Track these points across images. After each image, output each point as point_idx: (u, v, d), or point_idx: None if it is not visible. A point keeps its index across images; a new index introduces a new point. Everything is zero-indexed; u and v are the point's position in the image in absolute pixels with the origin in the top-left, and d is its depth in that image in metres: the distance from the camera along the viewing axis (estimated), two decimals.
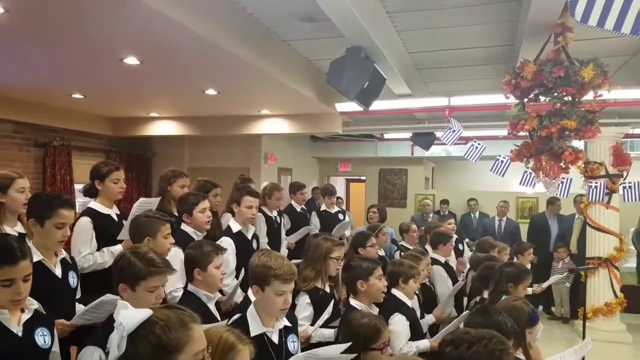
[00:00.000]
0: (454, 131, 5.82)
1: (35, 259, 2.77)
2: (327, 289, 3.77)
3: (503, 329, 2.55)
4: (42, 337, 2.34)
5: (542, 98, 4.32)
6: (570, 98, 4.13)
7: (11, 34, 4.42)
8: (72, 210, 3.05)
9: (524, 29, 4.42)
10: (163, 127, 9.55)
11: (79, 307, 3.08)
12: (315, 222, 6.78)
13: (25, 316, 2.31)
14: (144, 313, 1.59)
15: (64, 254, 3.09)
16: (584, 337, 5.30)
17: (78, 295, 3.20)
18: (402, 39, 5.54)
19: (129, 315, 1.58)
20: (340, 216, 7.04)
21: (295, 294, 3.68)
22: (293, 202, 6.72)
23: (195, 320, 1.66)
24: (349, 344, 2.62)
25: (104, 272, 3.55)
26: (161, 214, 3.51)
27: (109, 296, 2.60)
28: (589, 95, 4.19)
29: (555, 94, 4.11)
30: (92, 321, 2.78)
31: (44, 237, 2.89)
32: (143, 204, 3.72)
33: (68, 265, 3.09)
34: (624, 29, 3.20)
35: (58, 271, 2.98)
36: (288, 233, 6.23)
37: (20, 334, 2.26)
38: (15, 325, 2.25)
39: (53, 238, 2.91)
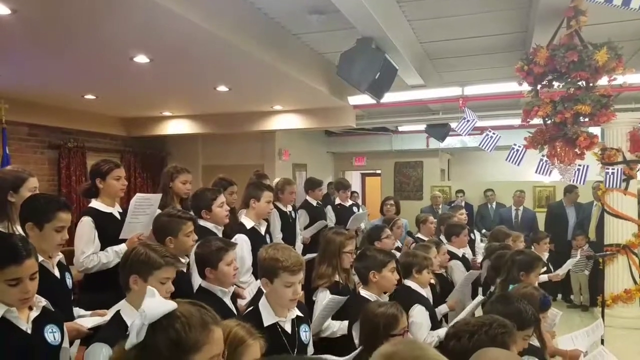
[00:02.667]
0: (468, 121, 5.76)
1: None
2: (344, 282, 3.79)
3: (524, 317, 2.55)
4: (51, 334, 2.36)
5: (555, 84, 4.26)
6: (584, 83, 4.06)
7: (19, 35, 4.43)
8: (70, 213, 3.00)
9: (536, 14, 4.36)
10: (176, 126, 9.58)
11: (77, 311, 3.11)
12: (330, 216, 6.79)
13: (34, 314, 2.33)
14: (169, 305, 1.58)
15: (60, 255, 3.09)
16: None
17: (72, 297, 3.20)
18: (413, 29, 5.49)
19: (154, 304, 1.56)
20: (355, 209, 7.04)
21: (314, 290, 3.72)
22: (309, 198, 6.71)
23: (217, 323, 1.65)
24: (357, 351, 2.65)
25: (107, 272, 3.56)
26: (183, 212, 3.50)
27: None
28: (603, 80, 4.13)
29: (569, 79, 4.04)
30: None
31: (42, 240, 2.82)
32: (140, 201, 3.67)
33: (63, 267, 3.10)
34: (633, 4, 3.13)
35: (57, 272, 2.99)
36: (306, 228, 6.23)
37: (29, 331, 2.27)
38: (25, 323, 2.27)
39: (52, 242, 2.87)
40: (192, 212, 4.01)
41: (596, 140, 4.05)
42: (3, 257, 2.20)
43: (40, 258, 2.79)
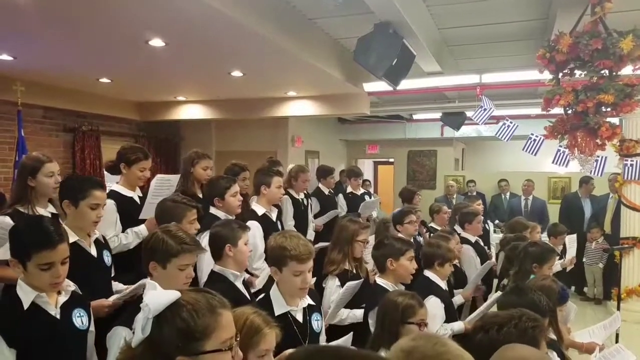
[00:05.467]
0: (485, 110, 5.66)
1: (70, 240, 2.81)
2: (355, 271, 3.76)
3: (539, 308, 2.50)
4: (79, 319, 2.37)
5: (577, 72, 4.17)
6: (607, 72, 3.96)
7: (36, 18, 4.42)
8: (105, 192, 3.12)
9: (559, 0, 4.26)
10: (190, 111, 9.57)
11: (115, 285, 3.14)
12: (342, 204, 6.74)
13: (63, 298, 2.34)
14: (172, 295, 1.53)
15: (97, 234, 3.12)
16: None
17: (112, 274, 3.25)
18: (431, 14, 5.41)
19: (156, 296, 1.52)
20: (367, 198, 7.00)
21: (324, 277, 3.69)
22: (321, 186, 6.69)
23: (225, 306, 1.60)
24: (350, 334, 2.64)
25: (127, 254, 3.59)
26: (188, 199, 3.50)
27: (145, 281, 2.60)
28: (627, 69, 4.03)
29: (592, 68, 3.94)
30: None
31: (78, 218, 2.94)
32: (161, 181, 3.72)
33: (101, 245, 3.13)
34: None
35: (93, 251, 3.02)
36: (316, 216, 6.20)
37: (58, 316, 2.29)
38: (54, 308, 2.28)
39: (87, 219, 2.96)
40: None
41: (618, 130, 3.96)
42: (36, 241, 2.21)
43: (76, 237, 2.88)
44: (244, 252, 3.01)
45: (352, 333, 2.65)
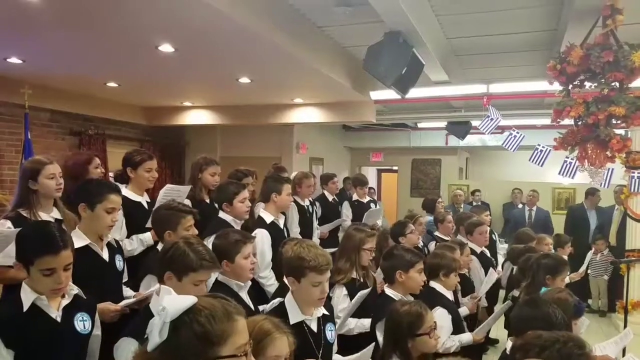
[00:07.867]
0: (492, 119, 5.67)
1: (82, 244, 2.84)
2: (362, 279, 3.74)
3: (553, 321, 2.47)
4: (81, 323, 2.35)
5: (587, 84, 4.16)
6: (618, 84, 3.96)
7: (45, 21, 4.43)
8: (120, 196, 3.11)
9: (570, 12, 4.27)
10: (196, 117, 9.58)
11: (125, 291, 3.13)
12: (347, 212, 6.74)
13: (65, 301, 2.33)
14: (189, 300, 1.52)
15: (109, 237, 3.11)
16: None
17: (125, 279, 3.24)
18: (440, 24, 5.42)
19: (174, 300, 1.51)
20: (373, 206, 6.98)
21: (331, 286, 3.67)
22: (325, 192, 6.75)
23: (240, 313, 1.58)
24: (371, 346, 2.61)
25: (130, 260, 3.55)
26: (183, 205, 3.46)
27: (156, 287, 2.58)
28: (638, 82, 4.03)
29: (603, 80, 3.94)
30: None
31: (93, 221, 2.94)
32: (170, 191, 3.72)
33: (114, 248, 3.12)
34: None
35: (105, 255, 3.01)
36: (319, 222, 6.19)
37: (59, 319, 2.27)
38: (55, 310, 2.27)
39: (103, 222, 2.96)
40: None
41: (629, 143, 3.94)
42: (39, 246, 2.21)
43: (88, 241, 2.89)
44: (243, 267, 2.93)
45: (373, 345, 2.63)
